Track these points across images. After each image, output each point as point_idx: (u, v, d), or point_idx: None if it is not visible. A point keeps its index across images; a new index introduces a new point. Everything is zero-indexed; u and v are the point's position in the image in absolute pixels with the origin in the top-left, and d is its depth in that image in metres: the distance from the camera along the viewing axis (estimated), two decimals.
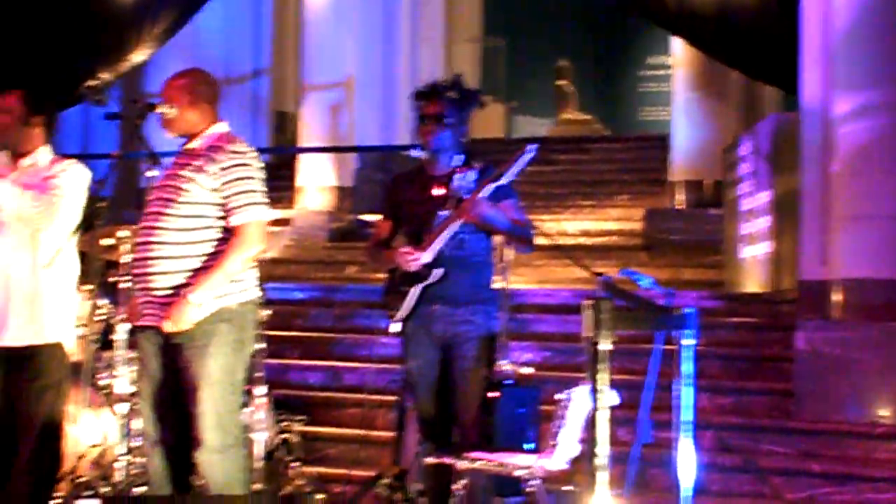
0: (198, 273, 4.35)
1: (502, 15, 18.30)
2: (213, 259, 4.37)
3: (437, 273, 4.81)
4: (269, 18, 14.27)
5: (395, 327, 4.99)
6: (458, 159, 4.91)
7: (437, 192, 4.86)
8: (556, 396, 4.55)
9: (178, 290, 4.34)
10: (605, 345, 3.30)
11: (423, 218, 4.86)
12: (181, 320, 4.30)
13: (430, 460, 4.80)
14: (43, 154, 5.02)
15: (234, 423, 4.47)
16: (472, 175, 4.78)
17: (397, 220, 5.07)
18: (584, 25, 19.38)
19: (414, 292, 4.88)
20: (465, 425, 4.90)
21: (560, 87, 17.36)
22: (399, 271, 4.91)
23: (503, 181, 4.64)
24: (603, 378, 3.30)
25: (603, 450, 3.31)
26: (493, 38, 18.19)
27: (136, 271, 4.49)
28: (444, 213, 4.79)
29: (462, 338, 4.87)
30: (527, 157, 4.58)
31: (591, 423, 4.06)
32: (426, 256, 4.81)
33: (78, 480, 5.55)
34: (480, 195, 4.67)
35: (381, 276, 5.22)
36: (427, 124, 4.88)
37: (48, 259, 4.78)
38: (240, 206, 4.39)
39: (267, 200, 4.49)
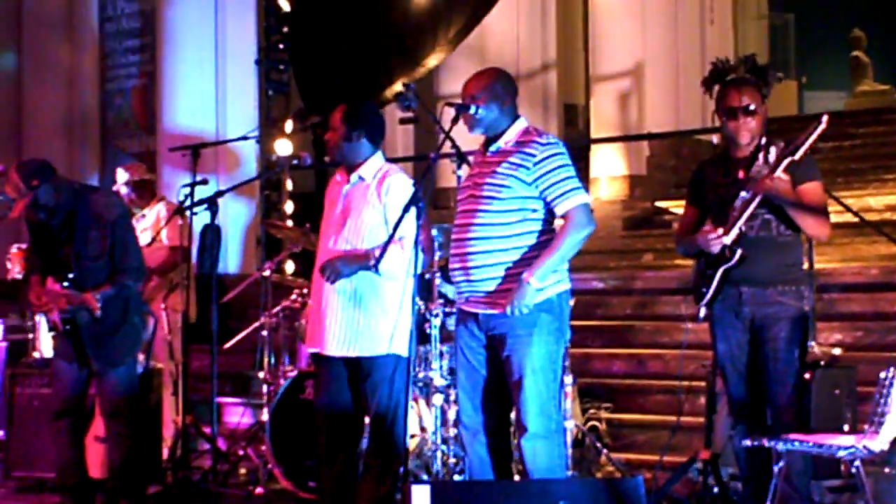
0: (521, 261, 4.53)
1: None
2: (533, 249, 4.56)
3: (738, 254, 4.76)
4: (555, 12, 14.43)
5: (702, 311, 4.97)
6: (762, 140, 4.85)
7: (741, 175, 4.83)
8: (881, 375, 4.42)
9: (502, 280, 4.54)
10: None
11: (727, 201, 4.84)
12: (522, 302, 4.47)
13: (747, 443, 4.76)
14: (370, 166, 5.20)
15: (555, 410, 4.62)
16: (773, 152, 4.73)
17: (704, 207, 5.06)
18: None
19: (718, 275, 4.86)
20: (778, 408, 4.84)
21: (855, 59, 16.70)
22: (705, 255, 4.90)
23: (797, 156, 4.59)
24: None
25: None
26: (780, 13, 17.68)
27: (455, 266, 4.67)
28: (744, 194, 4.75)
29: (772, 319, 4.81)
30: (819, 129, 4.52)
31: None
32: (728, 238, 4.78)
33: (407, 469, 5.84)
34: (777, 173, 4.63)
35: (680, 262, 5.24)
36: (736, 117, 4.84)
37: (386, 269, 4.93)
38: (563, 194, 4.56)
39: (581, 184, 4.64)
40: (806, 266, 5.07)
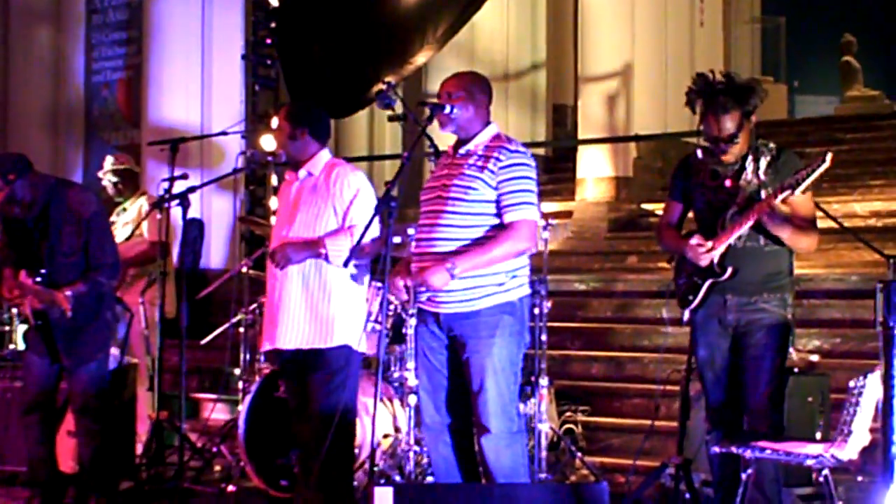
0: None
1: None
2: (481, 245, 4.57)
3: (728, 271, 4.74)
4: (545, 12, 14.41)
5: (685, 316, 4.95)
6: (749, 147, 4.80)
7: (727, 184, 4.76)
8: (850, 384, 4.41)
9: (464, 279, 4.54)
10: None
11: (714, 208, 4.79)
12: (433, 280, 4.50)
13: (717, 450, 4.75)
14: (317, 161, 5.22)
15: (515, 411, 4.64)
16: (764, 162, 4.71)
17: (687, 203, 5.02)
18: None
19: (706, 286, 4.83)
20: (754, 414, 4.82)
21: (846, 63, 16.72)
22: (690, 262, 4.87)
23: (797, 192, 4.52)
24: None
25: None
26: (772, 17, 17.69)
27: (416, 266, 4.67)
28: (734, 210, 4.71)
29: (755, 326, 4.79)
30: (823, 167, 4.45)
31: (883, 411, 3.97)
32: (717, 253, 4.74)
33: (375, 469, 5.82)
34: (775, 202, 4.56)
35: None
36: (717, 144, 4.75)
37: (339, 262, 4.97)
38: (516, 204, 4.58)
39: (537, 203, 4.65)
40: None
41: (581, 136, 12.18)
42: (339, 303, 5.04)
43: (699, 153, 4.95)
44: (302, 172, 5.21)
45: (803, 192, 4.55)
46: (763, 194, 4.68)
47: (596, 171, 11.74)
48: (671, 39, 12.47)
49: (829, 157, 4.48)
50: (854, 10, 18.14)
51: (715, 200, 4.81)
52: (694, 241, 4.80)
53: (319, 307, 5.03)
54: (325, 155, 5.27)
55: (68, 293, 5.48)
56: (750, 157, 4.77)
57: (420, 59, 10.40)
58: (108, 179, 7.64)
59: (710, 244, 4.75)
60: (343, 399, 4.97)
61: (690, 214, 5.09)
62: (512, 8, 13.54)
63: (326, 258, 4.93)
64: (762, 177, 4.74)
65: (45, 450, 5.81)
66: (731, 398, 4.92)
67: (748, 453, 4.55)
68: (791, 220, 4.70)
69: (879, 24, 18.51)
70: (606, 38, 11.91)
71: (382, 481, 5.45)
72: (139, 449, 6.70)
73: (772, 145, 4.80)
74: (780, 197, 4.56)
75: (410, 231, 5.47)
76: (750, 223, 4.67)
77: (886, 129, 13.20)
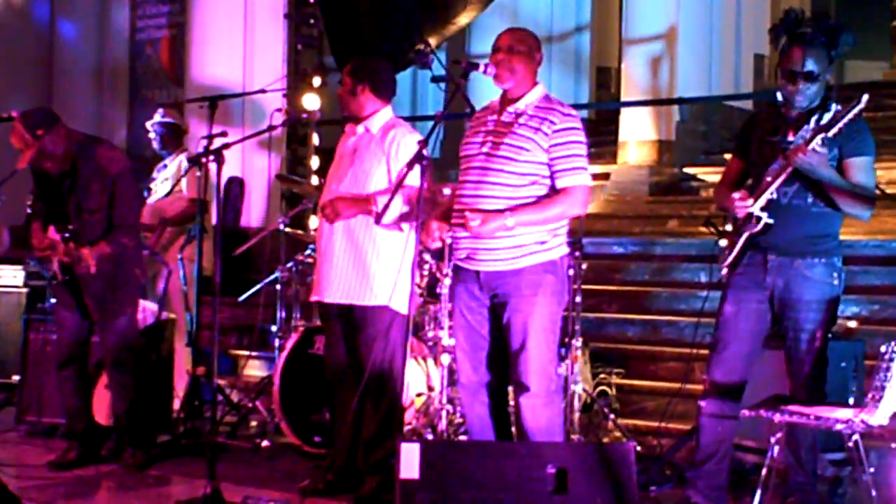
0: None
1: None
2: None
3: (761, 223, 4.63)
4: None
5: (723, 271, 4.86)
6: (816, 101, 4.68)
7: (789, 137, 4.64)
8: (881, 349, 4.36)
9: (508, 239, 4.53)
10: None
11: (769, 160, 4.68)
12: (485, 227, 4.47)
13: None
14: (377, 119, 5.24)
15: (554, 370, 4.65)
16: (826, 118, 4.55)
17: (748, 161, 4.91)
18: None
19: (741, 240, 4.74)
20: (797, 383, 4.74)
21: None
22: (735, 218, 4.78)
23: (831, 133, 4.43)
24: None
25: None
26: None
27: (460, 220, 4.59)
28: (779, 161, 4.61)
29: (799, 302, 4.66)
30: (857, 108, 4.38)
31: None
32: (756, 206, 4.64)
33: (406, 428, 5.86)
34: (810, 146, 4.47)
35: (703, 230, 5.15)
36: (795, 81, 4.64)
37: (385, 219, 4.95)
38: (571, 169, 4.56)
39: (588, 167, 4.62)
40: None
41: (624, 98, 12.10)
42: (385, 261, 5.07)
43: (770, 105, 4.84)
44: (360, 128, 5.24)
45: (835, 135, 4.42)
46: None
47: (638, 134, 11.66)
48: (716, 1, 12.33)
49: (864, 98, 4.40)
50: None
51: (771, 154, 4.68)
52: (736, 194, 4.71)
53: (365, 263, 5.07)
54: (386, 113, 5.27)
55: (93, 253, 5.52)
56: (817, 114, 4.62)
57: (463, 19, 10.38)
58: (154, 131, 7.73)
59: (750, 200, 4.65)
60: (389, 363, 5.01)
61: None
62: None
63: (378, 221, 4.90)
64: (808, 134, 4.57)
65: (81, 402, 5.91)
66: (743, 365, 4.81)
67: (777, 417, 4.51)
68: (840, 180, 4.57)
69: None
70: (651, 0, 11.79)
71: (414, 439, 5.49)
72: (177, 403, 6.78)
73: (838, 107, 4.59)
74: (816, 140, 4.45)
75: (446, 191, 5.46)
76: (788, 172, 4.54)
77: None
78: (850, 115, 4.41)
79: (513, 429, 4.75)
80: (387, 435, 5.04)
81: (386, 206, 4.79)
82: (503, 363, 4.69)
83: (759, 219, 4.65)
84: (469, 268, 4.68)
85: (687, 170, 11.43)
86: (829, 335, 4.78)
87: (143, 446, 5.95)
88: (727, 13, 12.54)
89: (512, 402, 4.73)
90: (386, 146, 5.10)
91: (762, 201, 4.65)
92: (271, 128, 6.38)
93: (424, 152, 4.56)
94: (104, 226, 5.64)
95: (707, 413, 4.87)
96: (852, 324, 6.37)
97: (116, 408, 5.91)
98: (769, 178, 4.63)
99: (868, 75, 16.52)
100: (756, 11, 13.00)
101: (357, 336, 5.14)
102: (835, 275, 4.72)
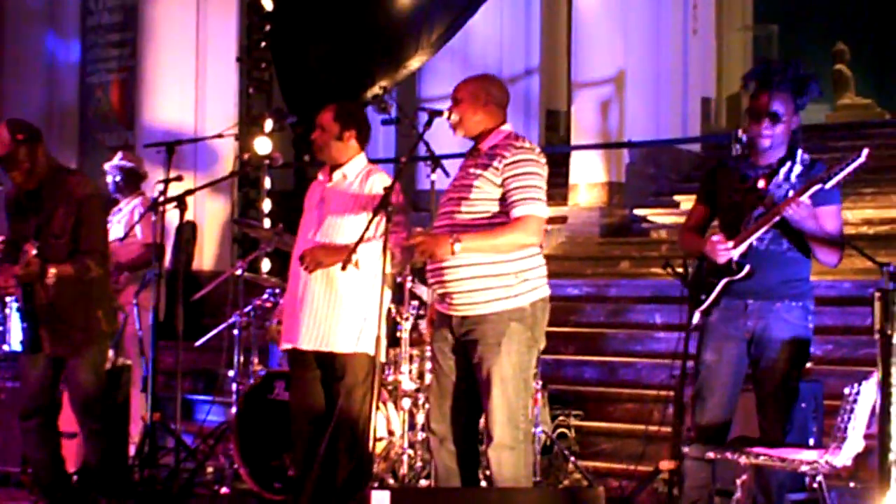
0: (492, 263, 4.50)
1: (775, 0, 17.80)
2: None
3: (745, 270, 4.63)
4: (539, 18, 14.43)
5: (696, 317, 4.83)
6: (782, 150, 4.70)
7: (760, 184, 4.64)
8: (845, 390, 4.40)
9: (474, 280, 4.51)
10: None
11: (741, 209, 4.68)
12: (432, 249, 4.45)
13: (710, 455, 4.71)
14: (354, 165, 5.25)
15: (523, 420, 4.58)
16: (797, 168, 4.58)
17: (714, 207, 4.91)
18: (861, 6, 18.59)
19: (720, 286, 4.72)
20: (767, 424, 4.75)
21: (838, 72, 16.75)
22: (707, 262, 4.76)
23: (828, 185, 4.42)
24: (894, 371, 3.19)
25: None
26: (764, 24, 17.72)
27: (431, 266, 4.63)
28: (760, 210, 4.60)
29: (775, 341, 4.67)
30: (858, 161, 4.35)
31: (880, 418, 3.96)
32: (737, 251, 4.63)
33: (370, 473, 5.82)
34: (802, 198, 4.46)
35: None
36: (759, 120, 4.65)
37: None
38: (524, 199, 4.51)
39: (545, 199, 4.60)
40: None
41: (574, 141, 12.20)
42: (366, 308, 5.03)
43: (734, 152, 4.85)
44: (337, 174, 5.23)
45: (829, 186, 4.40)
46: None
47: (589, 176, 11.76)
48: (664, 46, 12.51)
49: (864, 152, 4.36)
50: (846, 18, 18.18)
51: (743, 202, 4.69)
52: (715, 238, 4.69)
53: (347, 311, 5.05)
54: (362, 159, 5.29)
55: (53, 271, 5.37)
56: (787, 164, 4.62)
57: (414, 63, 10.41)
58: (111, 174, 7.64)
59: (730, 243, 4.64)
60: (364, 411, 4.99)
61: (715, 223, 4.98)
62: (506, 13, 13.55)
63: (356, 265, 4.84)
64: (793, 181, 4.59)
65: (47, 453, 5.68)
66: (727, 411, 4.81)
67: (743, 459, 4.54)
68: (820, 230, 4.59)
69: (872, 34, 18.56)
70: (600, 44, 11.92)
71: (377, 485, 5.46)
72: (132, 451, 6.68)
73: (806, 156, 4.63)
74: (811, 191, 4.44)
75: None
76: (775, 220, 4.54)
77: (877, 138, 13.22)
78: (850, 169, 4.38)
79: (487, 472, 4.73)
80: (359, 484, 5.00)
81: (352, 252, 4.76)
82: (473, 410, 4.67)
83: (739, 265, 4.65)
84: (443, 311, 4.69)
85: (637, 211, 11.54)
86: (798, 381, 4.81)
87: (116, 495, 5.81)
88: (675, 57, 12.73)
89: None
90: (367, 192, 5.13)
91: (744, 247, 4.64)
92: (234, 173, 6.37)
93: (388, 198, 4.58)
94: (68, 252, 5.47)
95: (692, 456, 4.83)
96: (807, 364, 6.43)
97: (90, 457, 5.72)
98: (752, 226, 4.61)
99: (810, 118, 16.79)
100: (703, 56, 13.24)
101: (336, 383, 5.11)
102: (809, 318, 4.76)
